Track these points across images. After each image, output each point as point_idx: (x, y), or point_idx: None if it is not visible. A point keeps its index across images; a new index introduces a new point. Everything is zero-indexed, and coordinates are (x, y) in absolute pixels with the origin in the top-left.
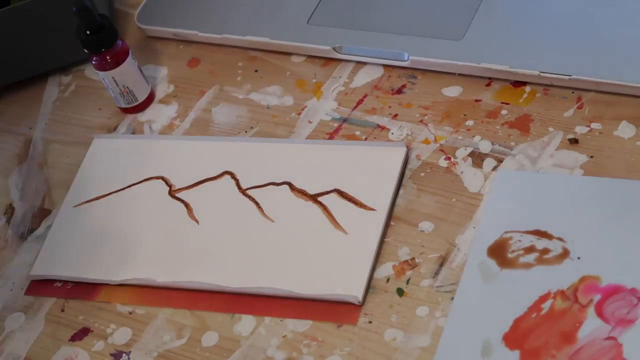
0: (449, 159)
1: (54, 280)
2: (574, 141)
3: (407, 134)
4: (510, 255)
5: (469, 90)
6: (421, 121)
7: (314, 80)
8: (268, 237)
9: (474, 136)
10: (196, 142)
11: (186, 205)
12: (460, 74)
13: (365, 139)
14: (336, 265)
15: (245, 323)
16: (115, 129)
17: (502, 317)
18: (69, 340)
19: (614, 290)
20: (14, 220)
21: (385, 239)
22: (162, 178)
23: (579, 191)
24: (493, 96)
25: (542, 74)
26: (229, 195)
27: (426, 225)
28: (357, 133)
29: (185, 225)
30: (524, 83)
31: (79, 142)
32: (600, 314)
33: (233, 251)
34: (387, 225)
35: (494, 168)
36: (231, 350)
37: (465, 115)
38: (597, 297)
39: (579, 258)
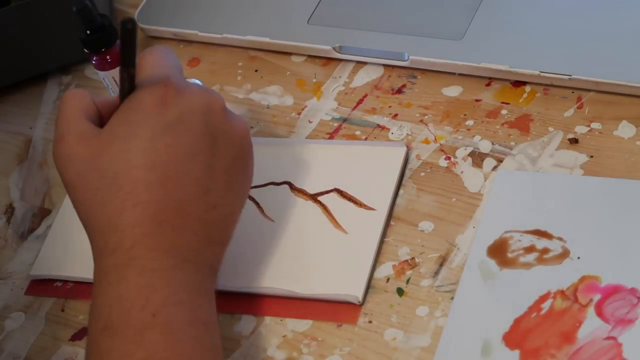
0: (449, 158)
1: (54, 280)
2: (574, 141)
3: (407, 134)
4: (510, 255)
5: (469, 90)
6: (421, 121)
7: (314, 80)
8: (268, 237)
9: (474, 136)
10: None
11: None
12: (460, 74)
13: (365, 139)
14: (336, 265)
15: (245, 323)
16: None
17: (502, 317)
18: (69, 340)
19: (613, 290)
20: (14, 220)
21: (385, 239)
22: None
23: (579, 191)
24: (493, 96)
25: (542, 74)
26: None
27: (426, 225)
28: (357, 133)
29: None
30: (524, 83)
31: None
32: (600, 313)
33: (233, 251)
34: (387, 225)
35: (494, 168)
36: (231, 350)
37: (465, 115)
38: (597, 297)
39: (579, 258)
